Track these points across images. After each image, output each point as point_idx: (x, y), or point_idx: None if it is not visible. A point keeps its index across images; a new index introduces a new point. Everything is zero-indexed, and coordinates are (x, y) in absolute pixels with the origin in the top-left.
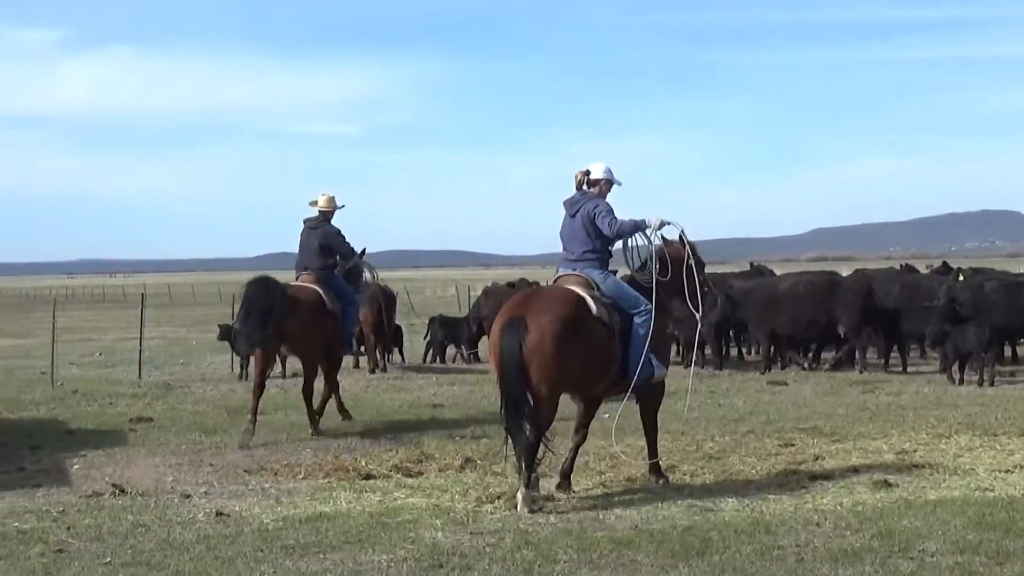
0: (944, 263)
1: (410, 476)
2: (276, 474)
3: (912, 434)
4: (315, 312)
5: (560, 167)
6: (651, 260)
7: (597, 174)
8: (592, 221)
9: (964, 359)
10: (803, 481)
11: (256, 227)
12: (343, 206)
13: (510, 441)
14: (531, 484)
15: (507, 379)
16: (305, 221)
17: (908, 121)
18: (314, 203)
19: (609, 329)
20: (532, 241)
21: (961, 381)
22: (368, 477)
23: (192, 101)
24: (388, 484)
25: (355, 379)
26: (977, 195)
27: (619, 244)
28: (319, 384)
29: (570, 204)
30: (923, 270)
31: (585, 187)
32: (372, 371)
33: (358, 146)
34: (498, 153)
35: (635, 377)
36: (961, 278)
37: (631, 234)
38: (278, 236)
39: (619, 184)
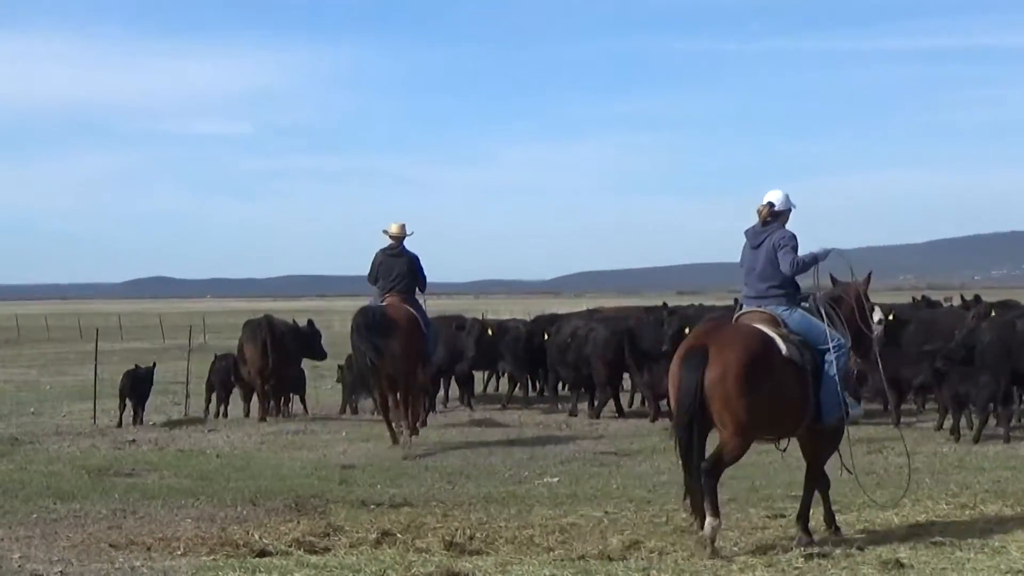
0: (976, 296)
1: (314, 553)
2: (149, 549)
3: (929, 504)
4: (414, 331)
5: (494, 176)
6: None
7: (780, 205)
8: (775, 253)
9: (961, 408)
10: (795, 561)
11: (124, 247)
12: (412, 233)
13: (688, 478)
14: (713, 528)
15: (683, 411)
16: (384, 250)
17: (921, 125)
18: (386, 231)
19: (800, 369)
20: (468, 268)
21: (977, 438)
22: (262, 554)
23: (46, 92)
24: (287, 562)
25: (246, 432)
26: (1006, 214)
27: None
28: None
29: (753, 235)
30: (945, 303)
31: (769, 219)
32: (262, 419)
33: (251, 148)
34: (424, 159)
35: (827, 416)
36: (992, 313)
37: (808, 269)
38: (150, 258)
39: (795, 207)
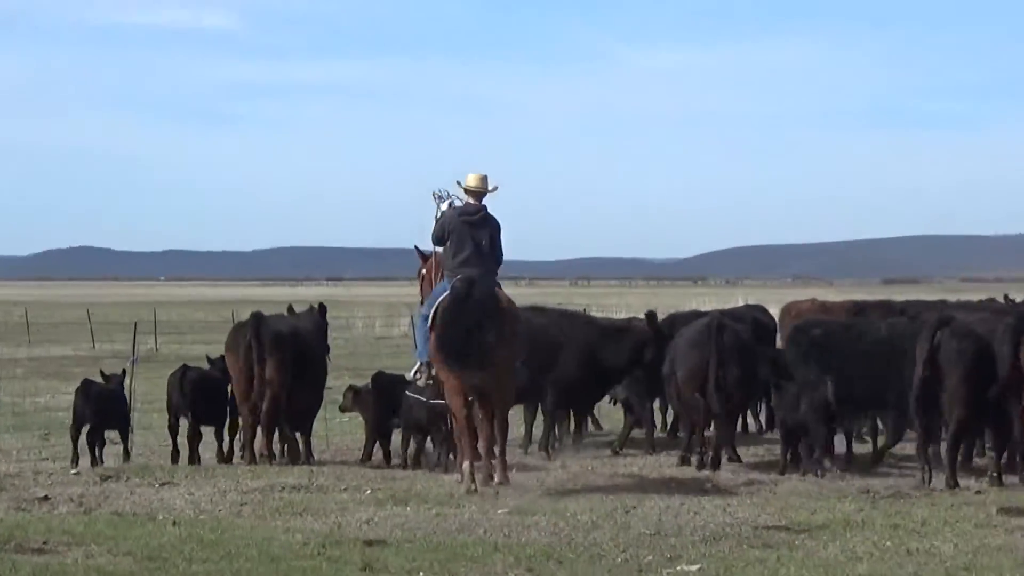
0: None
1: None
2: None
3: None
4: (516, 328)
5: (610, 92)
6: None
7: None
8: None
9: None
10: None
11: (33, 203)
12: (496, 188)
13: None
14: None
15: None
16: (458, 210)
17: None
18: (462, 187)
19: None
20: (561, 241)
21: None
22: None
23: None
24: None
25: (218, 488)
26: None
27: None
28: None
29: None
30: None
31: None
32: (224, 460)
33: (228, 49)
34: (500, 66)
35: None
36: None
37: None
38: (73, 221)
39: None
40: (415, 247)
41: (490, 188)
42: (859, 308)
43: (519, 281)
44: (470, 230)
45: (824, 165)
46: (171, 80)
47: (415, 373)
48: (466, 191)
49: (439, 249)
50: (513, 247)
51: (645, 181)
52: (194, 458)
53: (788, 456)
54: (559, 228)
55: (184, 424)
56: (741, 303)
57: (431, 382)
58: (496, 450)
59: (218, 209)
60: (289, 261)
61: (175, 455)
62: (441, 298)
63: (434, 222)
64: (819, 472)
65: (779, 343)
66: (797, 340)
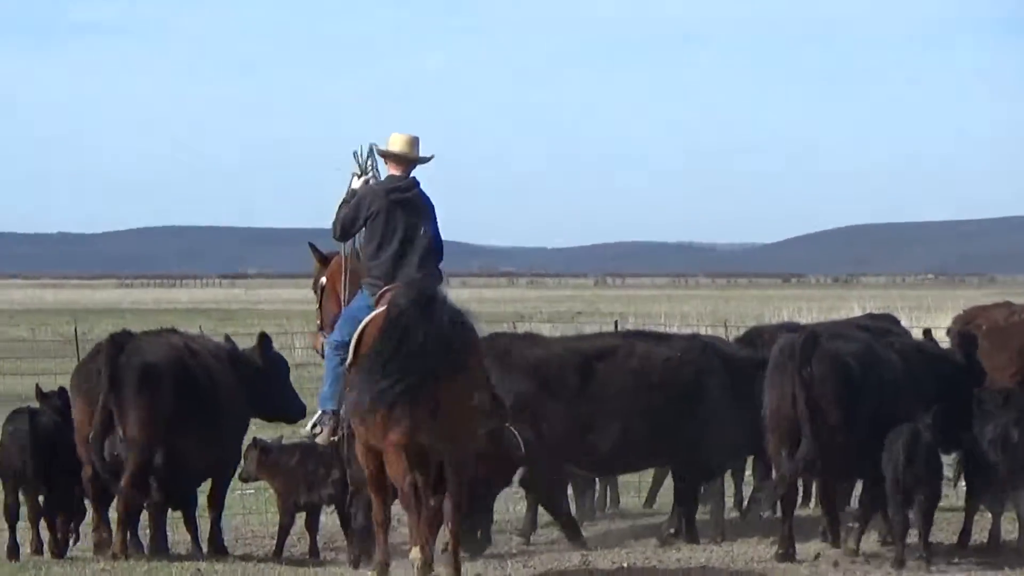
0: None
1: None
2: None
3: None
4: (478, 354)
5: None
6: None
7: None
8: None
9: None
10: None
11: None
12: (432, 157)
13: None
14: None
15: None
16: (381, 185)
17: None
18: (380, 152)
19: None
20: (582, 222)
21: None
22: None
23: None
24: None
25: None
26: None
27: None
28: None
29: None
30: None
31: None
32: (57, 554)
33: None
34: None
35: None
36: None
37: None
38: None
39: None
40: (310, 245)
41: (425, 156)
42: None
43: (515, 280)
44: (402, 214)
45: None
46: None
47: (314, 427)
48: (386, 159)
49: (347, 245)
50: (502, 229)
51: (702, 128)
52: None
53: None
54: (574, 201)
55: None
56: (858, 312)
57: (335, 438)
58: (445, 540)
59: (50, 174)
60: (156, 247)
61: (12, 550)
62: (369, 318)
63: (340, 202)
64: None
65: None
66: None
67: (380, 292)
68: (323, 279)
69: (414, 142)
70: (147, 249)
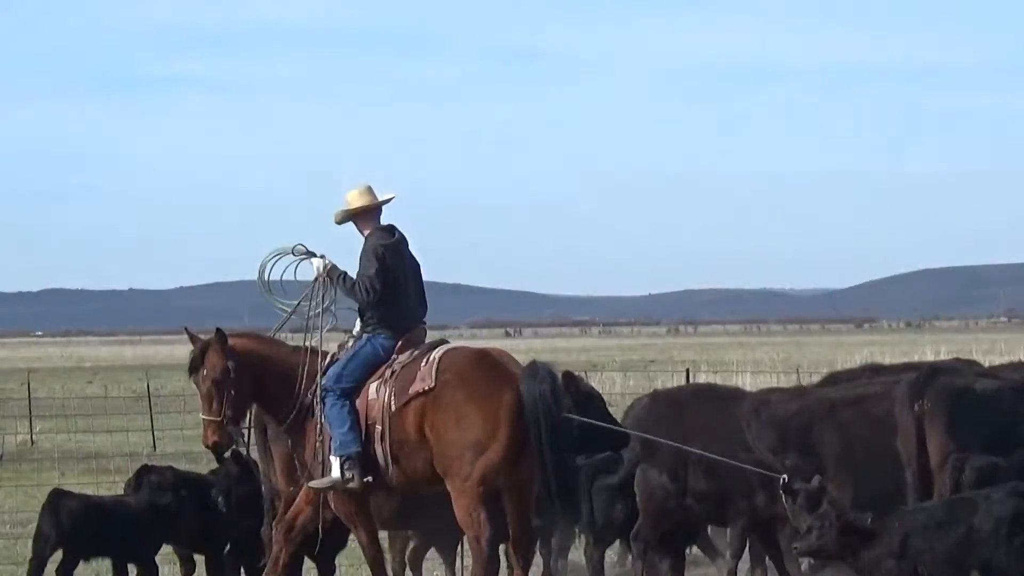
0: None
1: None
2: None
3: None
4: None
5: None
6: None
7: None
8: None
9: None
10: None
11: None
12: (393, 197)
13: None
14: None
15: None
16: (375, 235)
17: None
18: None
19: None
20: (635, 269)
21: None
22: None
23: None
24: None
25: None
26: None
27: None
28: None
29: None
30: None
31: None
32: None
33: None
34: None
35: None
36: None
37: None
38: None
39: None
40: (217, 329)
41: (384, 198)
42: None
43: (588, 329)
44: (398, 262)
45: None
46: None
47: (344, 471)
48: (355, 218)
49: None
50: (567, 278)
51: (767, 167)
52: None
53: None
54: (643, 248)
55: None
56: (931, 356)
57: (370, 479)
58: None
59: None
60: (228, 302)
61: None
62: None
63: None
64: None
65: None
66: None
67: (401, 340)
68: (229, 363)
69: (369, 190)
70: (220, 303)
